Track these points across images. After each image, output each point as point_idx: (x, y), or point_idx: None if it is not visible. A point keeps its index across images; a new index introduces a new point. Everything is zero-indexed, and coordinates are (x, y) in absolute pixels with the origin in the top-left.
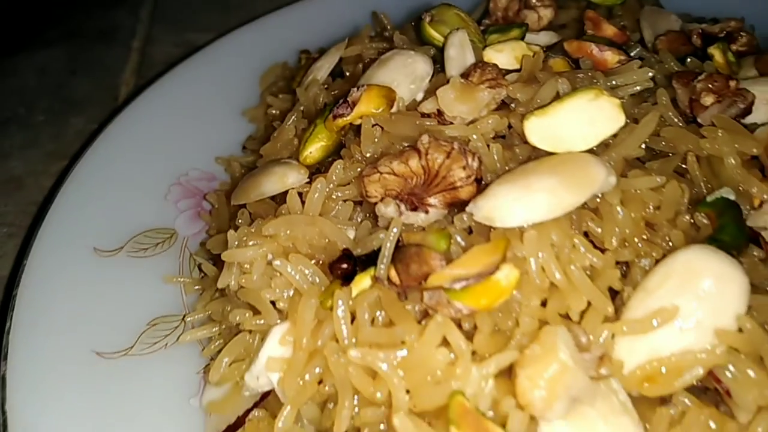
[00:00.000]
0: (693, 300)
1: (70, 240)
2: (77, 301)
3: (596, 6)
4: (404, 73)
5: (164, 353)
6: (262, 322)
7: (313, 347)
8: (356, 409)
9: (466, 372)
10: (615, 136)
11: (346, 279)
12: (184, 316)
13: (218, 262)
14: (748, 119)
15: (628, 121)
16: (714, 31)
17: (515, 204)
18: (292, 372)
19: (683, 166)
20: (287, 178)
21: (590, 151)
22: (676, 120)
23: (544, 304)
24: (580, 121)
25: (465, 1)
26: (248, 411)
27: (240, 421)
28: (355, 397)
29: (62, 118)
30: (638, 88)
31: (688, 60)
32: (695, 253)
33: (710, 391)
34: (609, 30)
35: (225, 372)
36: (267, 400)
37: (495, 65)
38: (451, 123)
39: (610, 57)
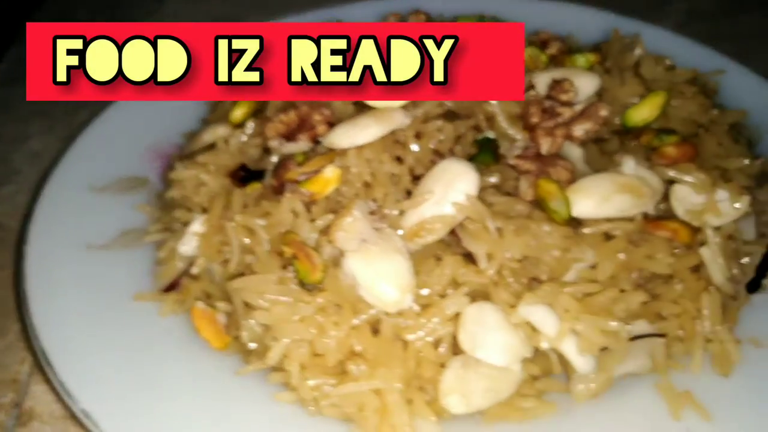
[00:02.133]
0: (443, 186)
1: (72, 180)
2: (74, 213)
3: None
4: None
5: (133, 249)
6: (192, 214)
7: (219, 225)
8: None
9: (303, 225)
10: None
11: (243, 182)
12: (147, 228)
13: None
14: None
15: None
16: (533, 40)
17: (346, 134)
18: (206, 238)
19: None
20: (218, 132)
21: (404, 107)
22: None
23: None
24: None
25: None
26: (179, 276)
27: (175, 283)
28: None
29: (72, 113)
30: None
31: None
32: (449, 162)
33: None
34: None
35: (168, 253)
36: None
37: None
38: None
39: None
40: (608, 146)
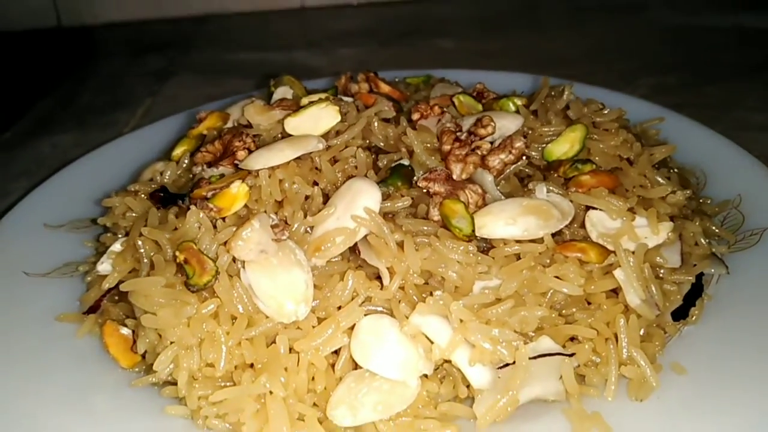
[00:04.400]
0: (346, 202)
1: (34, 218)
2: (27, 244)
3: (408, 84)
4: (240, 105)
5: (71, 279)
6: (116, 237)
7: (134, 242)
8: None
9: (205, 236)
10: (338, 132)
11: (162, 203)
12: (87, 259)
13: None
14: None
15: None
16: (469, 92)
17: (261, 157)
18: (121, 255)
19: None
20: (157, 167)
21: (325, 135)
22: (409, 132)
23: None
24: (313, 119)
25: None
26: (101, 298)
27: (96, 306)
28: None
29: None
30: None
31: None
32: (356, 181)
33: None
34: (385, 88)
35: (94, 277)
36: (110, 294)
37: (288, 99)
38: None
39: (371, 100)
40: (531, 181)
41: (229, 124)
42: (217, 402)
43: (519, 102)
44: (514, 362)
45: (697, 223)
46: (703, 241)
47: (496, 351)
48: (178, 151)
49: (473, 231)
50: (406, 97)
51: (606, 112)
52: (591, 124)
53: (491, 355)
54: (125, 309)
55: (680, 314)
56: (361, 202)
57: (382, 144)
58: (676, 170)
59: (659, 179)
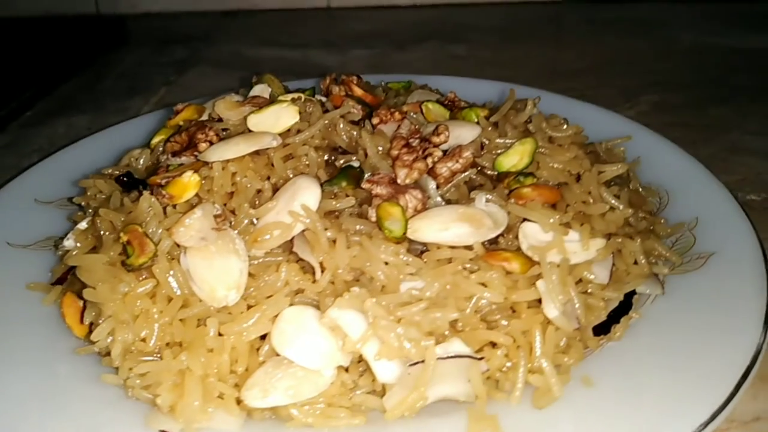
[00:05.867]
0: (287, 197)
1: (26, 193)
2: (15, 218)
3: (389, 89)
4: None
5: (49, 251)
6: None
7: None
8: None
9: (154, 221)
10: (299, 131)
11: (126, 187)
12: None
13: None
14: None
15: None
16: (441, 100)
17: (218, 150)
18: (84, 233)
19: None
20: (134, 153)
21: (285, 133)
22: (364, 135)
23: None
24: (274, 117)
25: None
26: (68, 271)
27: (63, 277)
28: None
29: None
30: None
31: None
32: (299, 178)
33: None
34: (358, 91)
35: (65, 251)
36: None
37: (262, 97)
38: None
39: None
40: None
41: (205, 117)
42: (142, 374)
43: (481, 113)
44: (423, 361)
45: (638, 242)
46: (642, 260)
47: (402, 348)
48: (155, 140)
49: (404, 234)
50: (379, 101)
51: (564, 127)
52: (547, 138)
53: (397, 352)
54: None
55: (602, 330)
56: (300, 198)
57: (344, 145)
58: (640, 188)
59: (607, 196)
